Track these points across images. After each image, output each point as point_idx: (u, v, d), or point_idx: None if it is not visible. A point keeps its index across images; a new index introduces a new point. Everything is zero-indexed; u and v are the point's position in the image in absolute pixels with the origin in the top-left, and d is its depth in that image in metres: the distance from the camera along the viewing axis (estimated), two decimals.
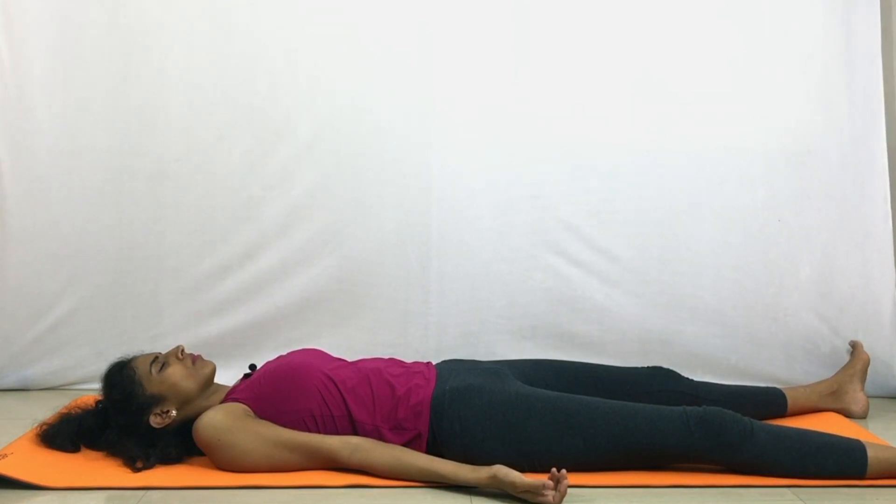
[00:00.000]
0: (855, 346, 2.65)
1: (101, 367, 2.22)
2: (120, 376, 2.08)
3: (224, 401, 2.09)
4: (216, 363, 2.18)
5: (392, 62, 2.73)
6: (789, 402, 2.44)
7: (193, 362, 2.13)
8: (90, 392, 2.41)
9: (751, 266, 2.74)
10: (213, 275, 2.76)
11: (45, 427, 2.16)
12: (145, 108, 2.72)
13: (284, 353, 2.31)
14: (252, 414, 2.04)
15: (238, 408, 2.04)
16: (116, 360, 2.14)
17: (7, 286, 2.74)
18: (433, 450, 2.03)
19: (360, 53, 2.72)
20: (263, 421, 2.03)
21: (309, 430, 2.04)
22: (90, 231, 2.74)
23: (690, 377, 2.41)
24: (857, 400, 2.52)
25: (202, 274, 2.76)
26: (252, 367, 2.27)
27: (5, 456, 2.05)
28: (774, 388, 2.50)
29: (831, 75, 2.72)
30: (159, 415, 2.06)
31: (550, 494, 1.80)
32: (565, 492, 1.82)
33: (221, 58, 2.72)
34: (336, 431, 2.05)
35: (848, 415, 2.49)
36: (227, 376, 2.28)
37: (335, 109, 2.73)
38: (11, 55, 2.68)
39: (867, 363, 2.59)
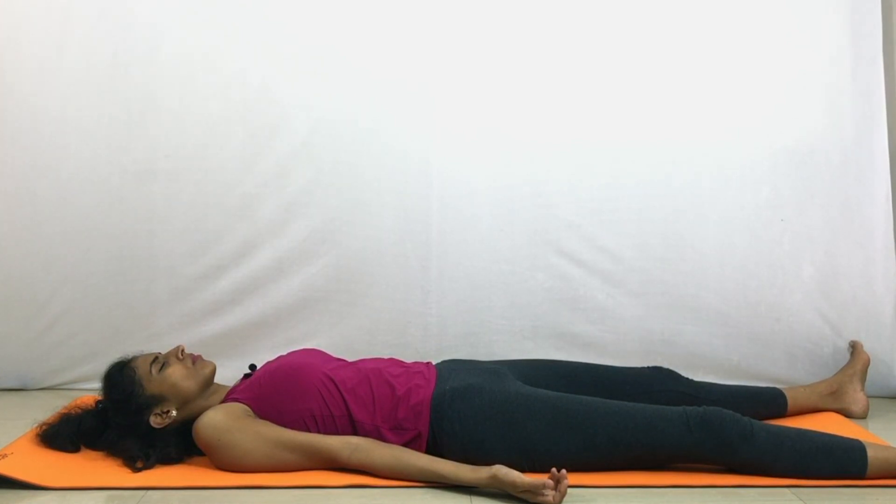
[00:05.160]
0: (855, 347, 2.65)
1: (97, 367, 2.23)
2: (120, 376, 2.08)
3: (224, 401, 2.09)
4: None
5: (391, 59, 2.72)
6: (789, 402, 2.45)
7: (193, 362, 2.13)
8: (87, 391, 2.42)
9: (754, 266, 2.74)
10: (207, 274, 2.75)
11: (45, 427, 2.16)
12: (135, 103, 2.70)
13: (283, 353, 2.32)
14: (252, 414, 2.04)
15: (238, 408, 2.04)
16: (116, 360, 2.14)
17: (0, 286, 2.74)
18: (433, 450, 2.03)
19: (358, 49, 2.71)
20: (264, 421, 2.03)
21: (309, 431, 2.04)
22: (81, 230, 2.72)
23: (692, 377, 2.42)
24: (857, 400, 2.52)
25: (196, 273, 2.75)
26: (252, 367, 2.27)
27: (5, 456, 2.05)
28: (774, 388, 2.50)
29: (833, 75, 2.72)
30: (159, 415, 2.06)
31: (550, 494, 1.80)
32: (565, 492, 1.82)
33: (213, 51, 2.70)
34: (336, 431, 2.04)
35: (848, 415, 2.49)
36: (224, 376, 2.27)
37: (332, 105, 2.72)
38: None
39: (867, 363, 2.59)
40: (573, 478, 1.87)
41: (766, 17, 2.73)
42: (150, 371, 2.08)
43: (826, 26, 2.72)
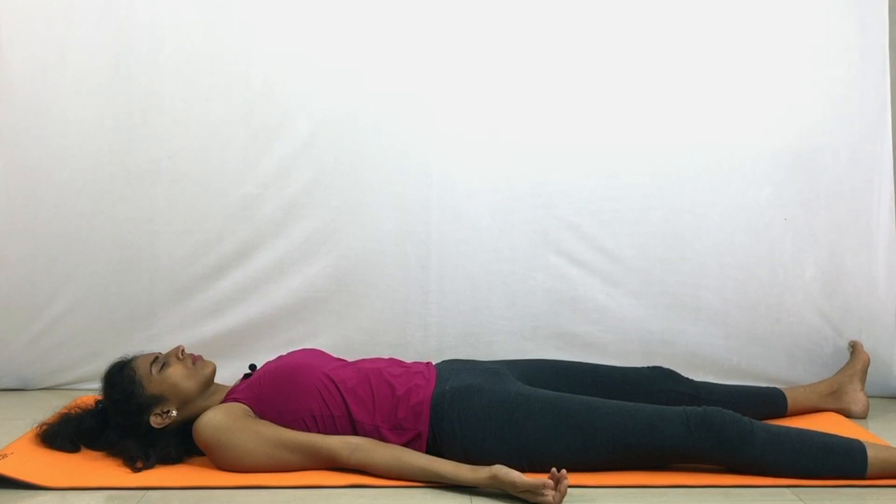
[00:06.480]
0: (855, 346, 2.65)
1: (98, 367, 2.23)
2: (120, 376, 2.08)
3: (224, 401, 2.09)
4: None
5: (392, 60, 2.72)
6: (789, 402, 2.45)
7: (194, 362, 2.13)
8: (88, 392, 2.42)
9: (755, 266, 2.73)
10: (208, 274, 2.75)
11: (45, 427, 2.15)
12: (137, 104, 2.70)
13: (283, 353, 2.31)
14: (252, 414, 2.04)
15: (238, 408, 2.04)
16: (116, 360, 2.14)
17: (1, 286, 2.73)
18: (433, 450, 2.03)
19: (358, 50, 2.71)
20: (263, 421, 2.03)
21: (309, 430, 2.04)
22: (83, 230, 2.72)
23: (692, 377, 2.42)
24: (857, 400, 2.52)
25: (197, 273, 2.75)
26: (252, 367, 2.27)
27: (5, 456, 2.05)
28: (774, 388, 2.50)
29: (839, 73, 2.70)
30: (159, 415, 2.06)
31: (550, 494, 1.80)
32: (565, 491, 1.82)
33: (215, 52, 2.70)
34: (336, 431, 2.04)
35: (848, 415, 2.49)
36: (224, 376, 2.27)
37: (333, 106, 2.72)
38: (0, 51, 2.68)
39: (867, 363, 2.59)
40: (573, 478, 1.87)
41: (769, 13, 2.71)
42: (151, 371, 2.08)
43: (831, 22, 2.69)
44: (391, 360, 2.25)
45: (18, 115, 2.70)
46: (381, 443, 2.01)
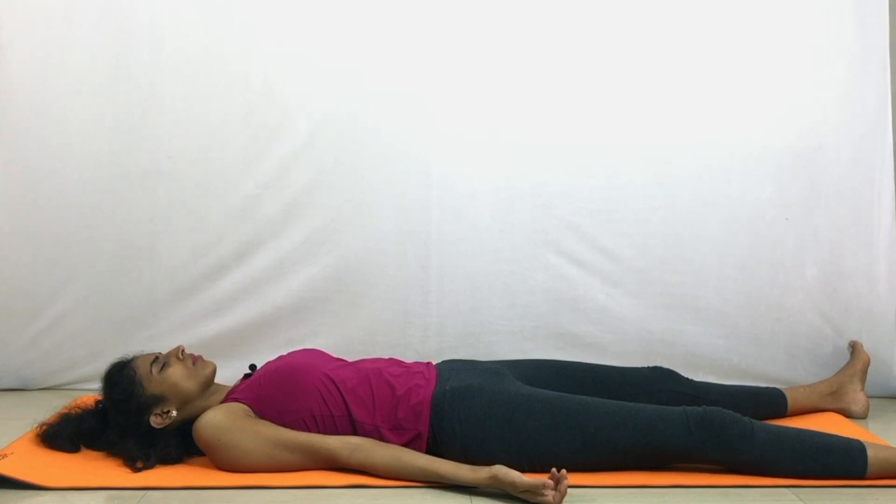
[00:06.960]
0: (855, 346, 2.65)
1: (98, 367, 2.23)
2: (120, 376, 2.08)
3: (224, 401, 2.09)
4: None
5: (392, 60, 2.72)
6: (789, 402, 2.45)
7: (194, 362, 2.13)
8: (88, 392, 2.42)
9: (756, 266, 2.73)
10: (208, 274, 2.75)
11: (45, 427, 2.15)
12: (138, 105, 2.70)
13: (283, 353, 2.32)
14: (252, 414, 2.04)
15: (238, 408, 2.04)
16: (117, 360, 2.14)
17: (1, 286, 2.73)
18: (433, 450, 2.03)
19: (358, 50, 2.71)
20: (263, 421, 2.03)
21: (309, 430, 2.04)
22: (83, 230, 2.72)
23: (691, 377, 2.42)
24: (857, 400, 2.52)
25: (197, 273, 2.75)
26: (252, 367, 2.27)
27: (5, 456, 2.05)
28: (774, 388, 2.50)
29: (839, 73, 2.70)
30: (159, 415, 2.06)
31: (550, 494, 1.80)
32: (565, 492, 1.82)
33: (215, 52, 2.70)
34: (336, 431, 2.05)
35: (848, 415, 2.49)
36: (224, 376, 2.27)
37: (333, 106, 2.72)
38: (0, 51, 2.67)
39: (867, 363, 2.59)
40: (573, 478, 1.86)
41: (770, 12, 2.70)
42: (151, 371, 2.08)
43: (832, 21, 2.68)
44: (391, 360, 2.25)
45: (18, 115, 2.69)
46: (381, 443, 2.01)
